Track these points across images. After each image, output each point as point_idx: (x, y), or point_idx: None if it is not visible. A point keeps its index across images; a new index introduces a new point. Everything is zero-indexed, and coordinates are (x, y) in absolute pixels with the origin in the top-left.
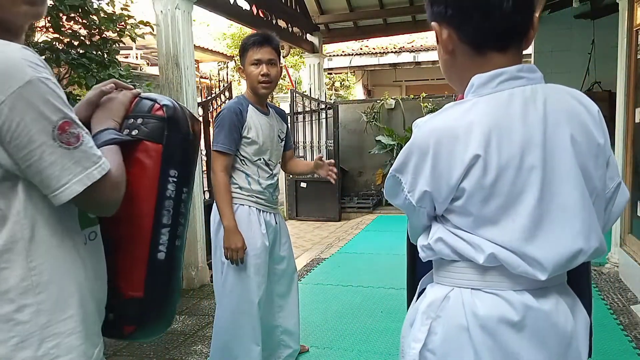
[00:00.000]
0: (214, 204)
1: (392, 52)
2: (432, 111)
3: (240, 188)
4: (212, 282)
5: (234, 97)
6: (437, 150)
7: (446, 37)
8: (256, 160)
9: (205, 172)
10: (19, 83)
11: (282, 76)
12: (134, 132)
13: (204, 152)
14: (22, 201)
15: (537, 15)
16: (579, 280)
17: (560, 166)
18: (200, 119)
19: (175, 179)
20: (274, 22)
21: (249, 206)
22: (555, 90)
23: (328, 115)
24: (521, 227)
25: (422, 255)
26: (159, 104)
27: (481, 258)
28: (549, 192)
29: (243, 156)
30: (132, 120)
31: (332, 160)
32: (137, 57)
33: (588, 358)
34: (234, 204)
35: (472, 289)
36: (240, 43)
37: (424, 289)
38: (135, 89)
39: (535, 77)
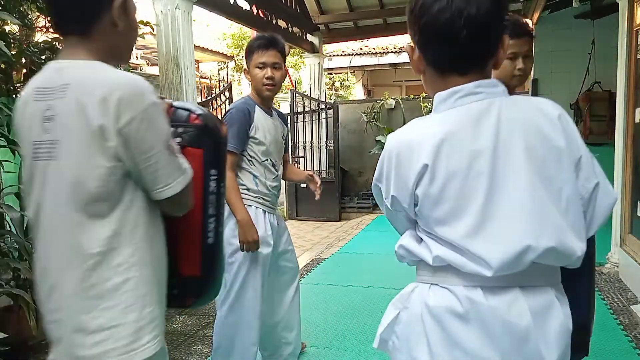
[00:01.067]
0: None
1: (392, 52)
2: (431, 111)
3: (248, 189)
4: None
5: (233, 97)
6: (399, 160)
7: (416, 58)
8: (264, 161)
9: None
10: (146, 103)
11: None
12: (178, 140)
13: None
14: (131, 196)
15: (505, 37)
16: (578, 280)
17: (509, 171)
18: None
19: (215, 177)
20: (274, 22)
21: (256, 207)
22: (514, 101)
23: (328, 115)
24: (467, 227)
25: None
26: (194, 113)
27: (430, 259)
28: (496, 196)
29: (251, 156)
30: (173, 129)
31: (319, 182)
32: (137, 57)
33: (585, 357)
34: None
35: (430, 284)
36: (240, 43)
37: None
38: (167, 99)
39: (495, 91)
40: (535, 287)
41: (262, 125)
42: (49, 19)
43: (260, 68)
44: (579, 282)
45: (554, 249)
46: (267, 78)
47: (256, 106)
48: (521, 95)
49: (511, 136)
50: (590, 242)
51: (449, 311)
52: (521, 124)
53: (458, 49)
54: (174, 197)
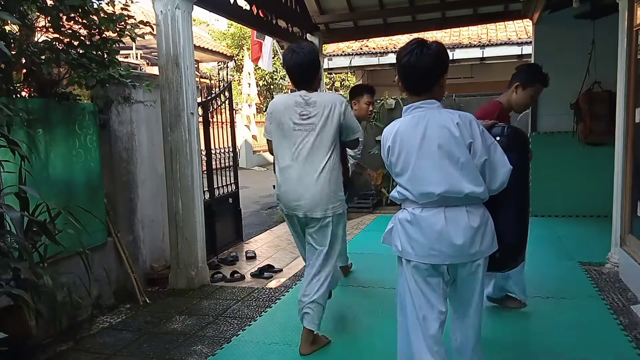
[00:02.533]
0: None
1: (392, 52)
2: None
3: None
4: (212, 282)
5: (233, 96)
6: (383, 142)
7: (401, 85)
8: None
9: (206, 172)
10: (345, 103)
11: (281, 76)
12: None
13: (203, 152)
14: (338, 141)
15: (445, 74)
16: (503, 214)
17: (427, 151)
18: (200, 119)
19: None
20: (274, 22)
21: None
22: (440, 113)
23: None
24: (406, 178)
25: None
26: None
27: (400, 196)
28: (419, 163)
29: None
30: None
31: None
32: (137, 57)
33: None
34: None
35: (403, 208)
36: (240, 43)
37: None
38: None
39: (431, 107)
40: (453, 207)
41: None
42: (49, 18)
43: (367, 105)
44: (503, 215)
45: (447, 190)
46: (370, 111)
47: None
48: (457, 111)
49: (432, 132)
50: (512, 192)
51: (405, 220)
52: (437, 125)
53: (413, 84)
54: (352, 141)
